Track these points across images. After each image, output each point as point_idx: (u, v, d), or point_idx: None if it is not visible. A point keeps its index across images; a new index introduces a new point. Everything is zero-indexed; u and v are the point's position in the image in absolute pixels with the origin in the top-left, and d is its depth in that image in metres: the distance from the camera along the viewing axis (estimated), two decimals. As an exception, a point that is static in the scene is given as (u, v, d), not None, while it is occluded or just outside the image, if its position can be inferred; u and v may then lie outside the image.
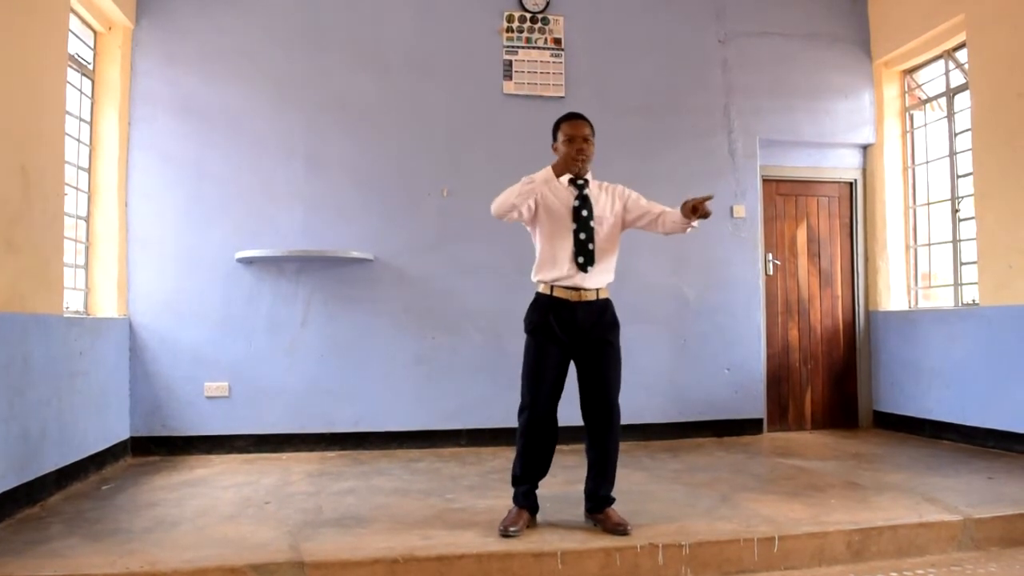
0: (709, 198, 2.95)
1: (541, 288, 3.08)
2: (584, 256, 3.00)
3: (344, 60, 5.00)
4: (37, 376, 3.41)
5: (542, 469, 3.09)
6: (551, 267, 3.04)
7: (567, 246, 3.02)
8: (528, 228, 3.17)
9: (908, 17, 5.34)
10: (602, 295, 3.07)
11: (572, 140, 3.03)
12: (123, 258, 4.63)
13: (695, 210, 2.94)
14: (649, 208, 3.16)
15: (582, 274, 3.00)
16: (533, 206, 3.06)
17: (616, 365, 3.06)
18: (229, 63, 4.86)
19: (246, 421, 4.74)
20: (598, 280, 3.05)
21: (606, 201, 3.13)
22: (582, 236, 3.02)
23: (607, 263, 3.09)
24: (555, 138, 3.13)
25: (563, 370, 3.05)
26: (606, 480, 3.03)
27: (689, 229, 3.09)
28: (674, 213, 3.08)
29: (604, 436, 3.03)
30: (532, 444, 3.03)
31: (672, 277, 5.31)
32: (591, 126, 3.09)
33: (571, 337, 3.01)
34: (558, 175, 3.00)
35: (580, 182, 3.08)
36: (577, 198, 3.05)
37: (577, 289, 3.01)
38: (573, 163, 3.01)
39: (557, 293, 3.02)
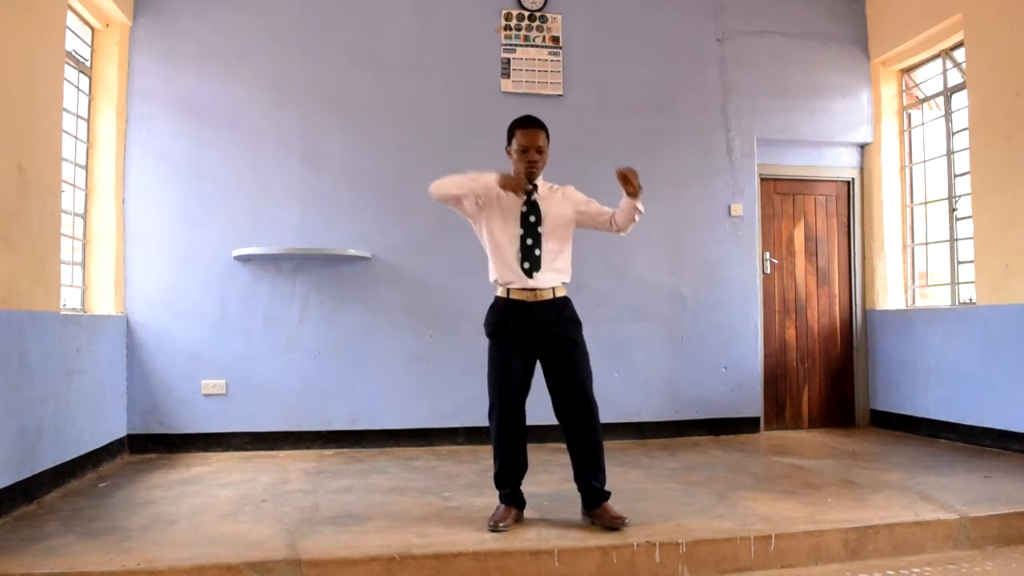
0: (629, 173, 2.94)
1: (499, 291, 3.09)
2: (530, 262, 3.01)
3: (342, 58, 4.99)
4: (34, 373, 3.40)
5: (521, 468, 3.10)
6: (500, 271, 3.06)
7: (513, 251, 3.02)
8: (472, 224, 3.17)
9: (906, 16, 5.34)
10: (558, 293, 3.07)
11: (525, 151, 3.02)
12: (120, 255, 4.63)
13: (625, 179, 2.93)
14: (598, 214, 3.16)
15: (528, 279, 3.01)
16: (475, 204, 3.06)
17: (583, 360, 3.06)
18: (226, 61, 4.85)
19: (243, 419, 4.73)
20: (550, 280, 3.05)
21: (556, 204, 3.11)
22: (529, 242, 3.02)
23: (556, 264, 3.08)
24: (509, 142, 3.11)
25: (527, 370, 3.07)
26: (597, 472, 3.03)
27: (637, 215, 3.06)
28: (622, 204, 3.07)
29: (586, 431, 3.03)
30: (506, 445, 3.04)
31: (669, 276, 5.31)
32: (546, 132, 3.07)
33: (531, 337, 3.03)
34: (501, 187, 2.97)
35: (529, 187, 3.06)
36: (525, 203, 3.05)
37: (532, 290, 3.02)
38: (519, 183, 2.98)
39: (514, 295, 3.04)
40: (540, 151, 3.03)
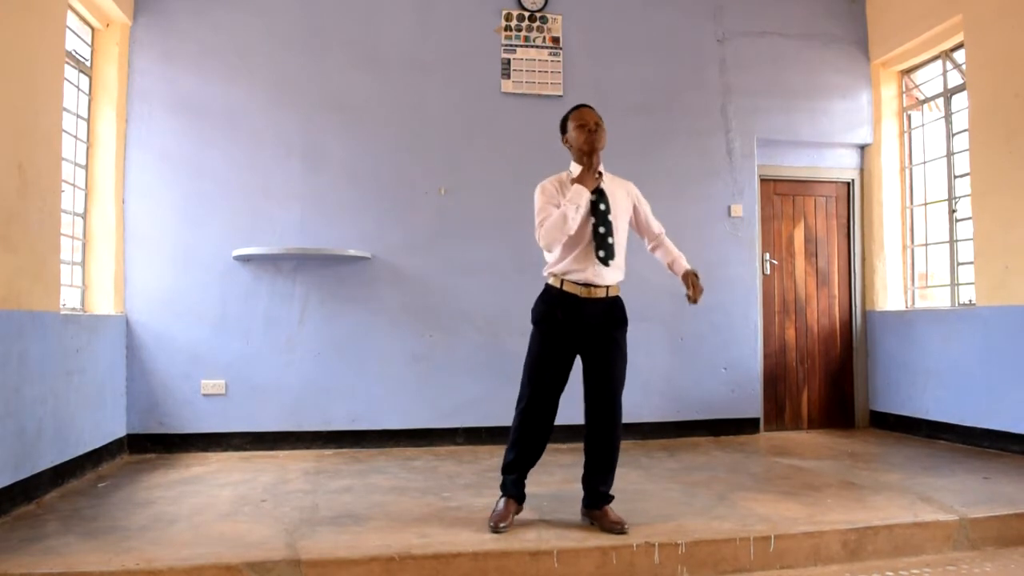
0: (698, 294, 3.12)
1: (551, 280, 3.05)
2: (605, 250, 2.98)
3: (342, 58, 4.99)
4: (33, 373, 3.40)
5: (534, 459, 3.09)
6: (570, 262, 2.99)
7: (586, 241, 2.99)
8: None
9: (906, 17, 5.35)
10: (612, 292, 3.04)
11: (583, 125, 3.03)
12: (120, 255, 4.63)
13: (694, 299, 3.11)
14: (649, 224, 3.25)
15: (602, 269, 2.98)
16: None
17: (622, 364, 3.05)
18: (226, 60, 4.85)
19: (243, 419, 4.73)
20: (613, 276, 3.03)
21: (620, 194, 3.12)
22: (601, 230, 2.98)
23: (622, 257, 3.08)
24: (564, 131, 3.13)
25: (566, 364, 3.04)
26: (607, 477, 3.03)
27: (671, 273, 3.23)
28: (671, 256, 3.24)
29: (607, 434, 3.02)
30: (527, 434, 3.04)
31: (669, 276, 5.25)
32: (599, 116, 3.11)
33: (577, 332, 3.00)
34: (579, 181, 2.97)
35: (595, 175, 3.04)
36: (594, 192, 3.01)
37: (587, 285, 2.98)
38: (588, 145, 2.99)
39: (567, 288, 2.99)
40: (598, 124, 3.05)
